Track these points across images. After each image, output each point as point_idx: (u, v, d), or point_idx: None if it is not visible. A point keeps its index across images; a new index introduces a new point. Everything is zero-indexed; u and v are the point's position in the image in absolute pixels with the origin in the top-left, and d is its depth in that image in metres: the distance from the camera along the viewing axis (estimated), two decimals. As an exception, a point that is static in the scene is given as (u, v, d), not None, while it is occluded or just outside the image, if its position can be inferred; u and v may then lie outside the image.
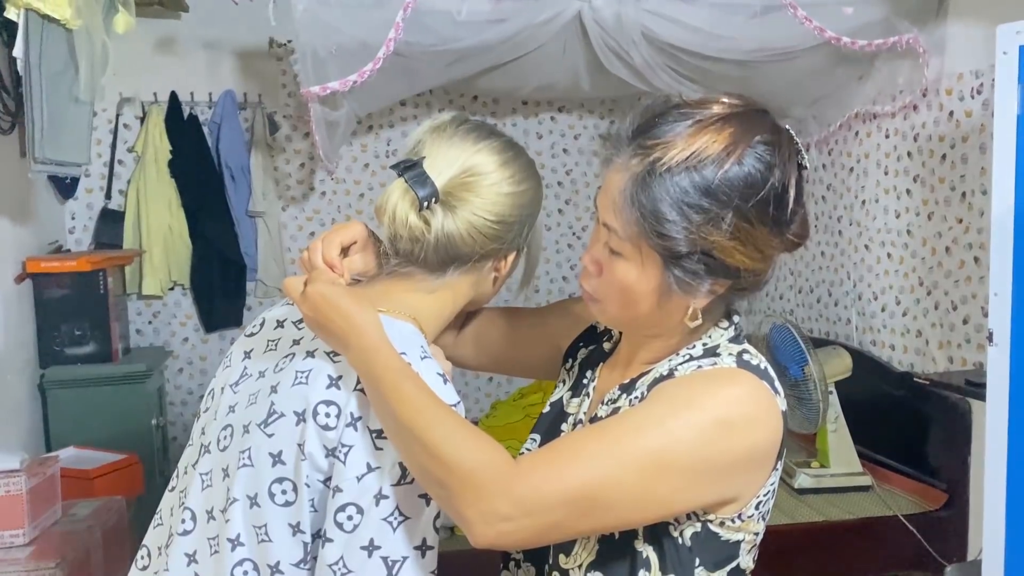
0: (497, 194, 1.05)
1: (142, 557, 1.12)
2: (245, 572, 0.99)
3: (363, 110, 3.29)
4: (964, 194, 2.80)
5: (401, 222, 1.04)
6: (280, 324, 1.13)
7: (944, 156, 2.88)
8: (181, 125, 3.76)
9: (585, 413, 1.11)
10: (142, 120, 3.75)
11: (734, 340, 1.03)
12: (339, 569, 0.93)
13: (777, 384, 0.98)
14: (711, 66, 3.01)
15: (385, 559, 0.93)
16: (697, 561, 0.97)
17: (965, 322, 2.80)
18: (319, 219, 4.02)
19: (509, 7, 2.77)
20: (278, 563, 0.98)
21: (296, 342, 1.07)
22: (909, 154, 3.05)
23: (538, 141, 4.18)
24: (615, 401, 1.05)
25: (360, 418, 0.96)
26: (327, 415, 0.97)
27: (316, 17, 2.59)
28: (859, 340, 3.33)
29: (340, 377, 0.99)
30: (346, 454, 0.94)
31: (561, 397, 1.16)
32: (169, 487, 1.13)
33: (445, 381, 0.99)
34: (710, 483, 0.93)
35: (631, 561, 0.97)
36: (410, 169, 1.03)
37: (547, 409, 1.18)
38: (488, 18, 2.76)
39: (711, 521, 0.97)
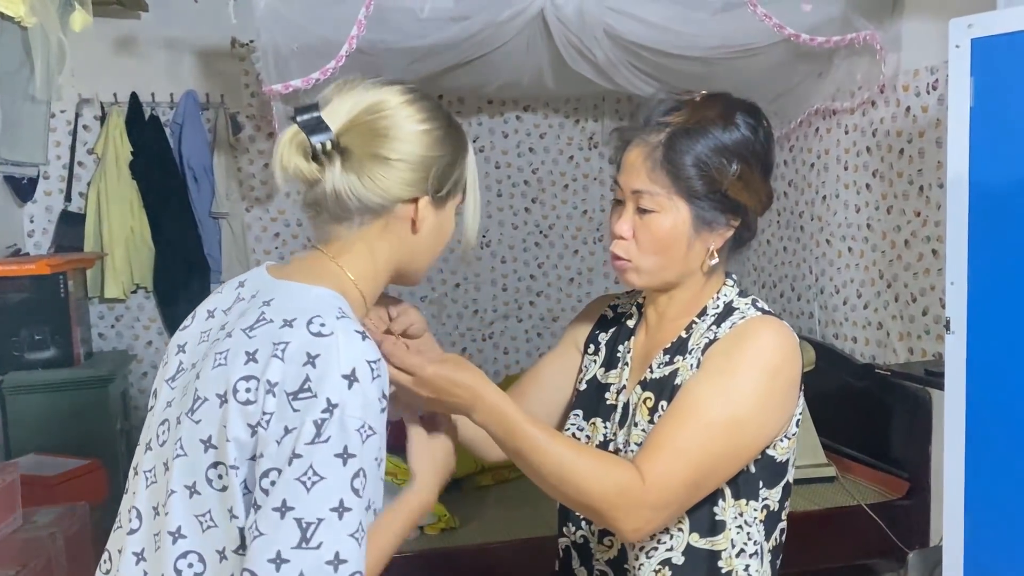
0: (399, 130, 1.04)
1: (104, 561, 1.10)
2: (190, 564, 0.96)
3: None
4: (922, 188, 2.85)
5: (295, 170, 1.03)
6: (211, 314, 1.10)
7: (902, 151, 2.93)
8: (142, 126, 3.71)
9: (628, 379, 1.27)
10: (102, 121, 3.70)
11: (741, 294, 1.24)
12: (252, 533, 0.90)
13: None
14: (673, 63, 3.03)
15: (299, 520, 0.89)
16: (760, 483, 1.19)
17: (924, 313, 2.85)
18: (284, 220, 4.00)
19: (472, 4, 2.78)
20: (224, 549, 0.96)
21: (223, 328, 1.05)
22: (868, 149, 3.10)
23: (504, 140, 4.19)
24: (670, 363, 1.21)
25: (278, 383, 0.93)
26: (247, 390, 0.94)
27: (278, 14, 2.57)
28: (822, 333, 3.38)
29: (256, 351, 0.96)
30: (268, 422, 0.92)
31: (595, 374, 1.32)
32: (124, 489, 1.11)
33: (364, 337, 0.96)
34: (775, 419, 1.16)
35: (710, 496, 1.16)
36: (304, 112, 1.03)
37: (584, 387, 1.33)
38: (451, 15, 2.76)
39: (768, 447, 1.18)
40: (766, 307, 1.22)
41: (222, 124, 3.80)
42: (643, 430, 1.19)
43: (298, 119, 1.02)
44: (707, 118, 1.17)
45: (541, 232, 4.28)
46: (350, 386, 0.92)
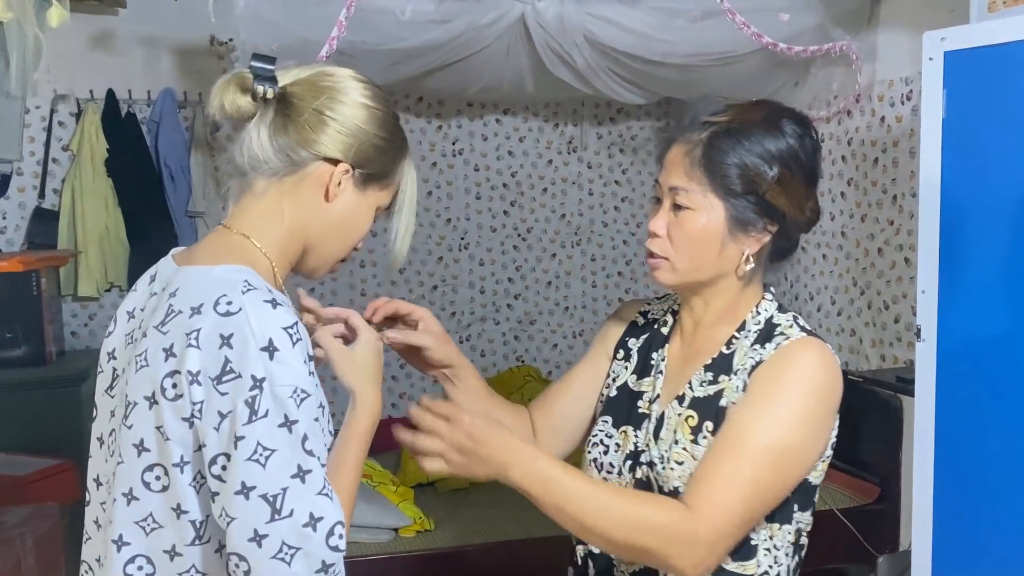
0: (343, 95, 1.05)
1: (84, 572, 1.10)
2: (139, 567, 0.97)
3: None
4: (895, 197, 2.89)
5: (231, 104, 1.04)
6: (131, 315, 1.09)
7: (876, 160, 2.97)
8: (118, 123, 3.68)
9: (662, 389, 1.24)
10: (77, 118, 3.66)
11: (781, 309, 1.22)
12: (224, 519, 0.91)
13: None
14: (652, 70, 3.06)
15: (264, 496, 0.90)
16: (795, 507, 1.18)
17: (896, 321, 2.89)
18: (261, 220, 3.97)
19: (453, 8, 2.78)
20: (173, 547, 0.96)
21: (140, 327, 1.03)
22: (843, 158, 3.14)
23: (483, 143, 4.19)
24: (714, 382, 1.19)
25: (199, 372, 0.92)
26: (173, 385, 0.93)
27: (257, 14, 2.56)
28: (796, 339, 3.42)
29: (172, 344, 0.95)
30: (200, 411, 0.92)
31: (626, 381, 1.29)
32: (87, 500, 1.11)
33: (275, 305, 0.95)
34: (819, 444, 1.15)
35: None
36: (261, 60, 1.05)
37: (615, 393, 1.30)
38: (432, 18, 2.77)
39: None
40: (807, 326, 1.20)
41: (200, 122, 3.77)
42: (684, 448, 1.16)
43: (253, 63, 1.05)
44: (751, 120, 1.16)
45: (519, 235, 4.29)
46: (271, 357, 0.91)
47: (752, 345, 1.17)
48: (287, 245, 1.07)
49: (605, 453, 1.24)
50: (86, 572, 1.08)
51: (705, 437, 1.15)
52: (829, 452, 1.19)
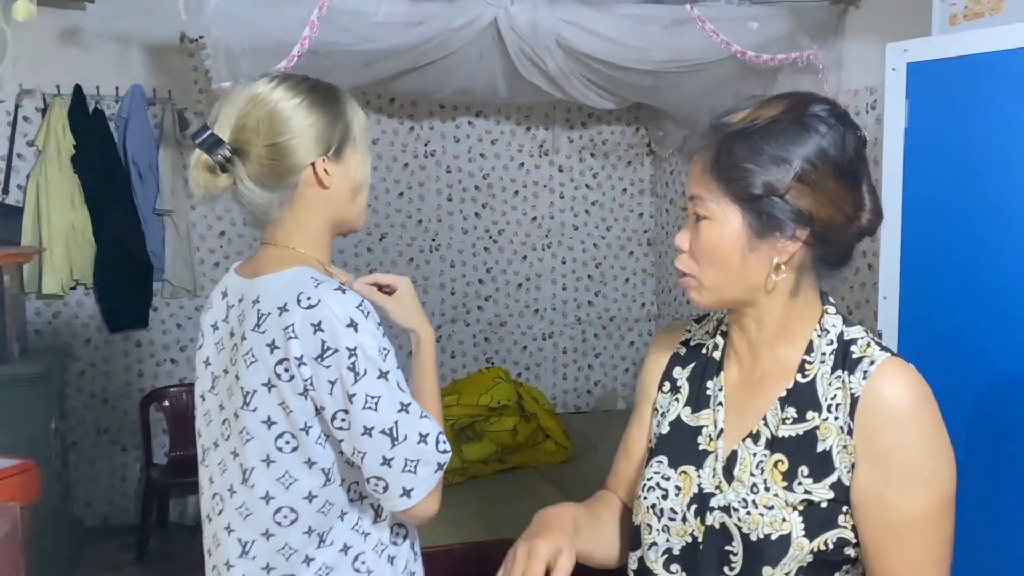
0: (275, 116, 1.22)
1: (208, 553, 1.36)
2: (285, 516, 1.22)
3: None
4: (859, 204, 2.94)
5: (211, 187, 1.24)
6: (215, 327, 1.32)
7: (841, 168, 3.03)
8: (86, 119, 3.64)
9: (725, 422, 1.10)
10: (43, 113, 3.62)
11: (847, 323, 1.09)
12: (357, 456, 1.18)
13: None
14: (623, 76, 3.08)
15: (382, 431, 1.16)
16: None
17: (860, 324, 2.94)
18: (230, 218, 3.95)
19: (426, 10, 2.79)
20: (310, 492, 1.22)
21: (232, 334, 1.27)
22: (809, 165, 3.19)
23: (455, 145, 4.20)
24: (801, 420, 1.04)
25: (303, 355, 1.16)
26: (285, 370, 1.17)
27: (229, 12, 2.55)
28: (762, 343, 3.46)
29: (273, 340, 1.17)
30: (314, 383, 1.17)
31: (679, 415, 1.14)
32: (203, 462, 1.35)
33: (344, 291, 1.19)
34: (954, 461, 1.04)
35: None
36: (199, 135, 1.22)
37: (667, 429, 1.15)
38: (405, 20, 2.77)
39: None
40: (881, 341, 1.07)
41: (169, 120, 3.74)
42: (776, 494, 1.02)
43: (196, 142, 1.21)
44: (766, 116, 1.03)
45: (490, 237, 4.30)
46: (356, 330, 1.16)
47: (834, 373, 1.04)
48: (320, 239, 1.29)
49: (664, 498, 1.10)
50: (209, 553, 1.34)
51: (801, 483, 1.01)
52: None
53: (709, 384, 1.13)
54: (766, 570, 1.00)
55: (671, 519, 1.08)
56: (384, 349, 1.19)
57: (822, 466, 1.01)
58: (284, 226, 1.27)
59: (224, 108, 1.24)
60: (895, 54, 1.93)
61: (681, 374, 1.17)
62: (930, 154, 1.90)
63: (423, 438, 1.19)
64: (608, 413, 4.29)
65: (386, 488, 1.18)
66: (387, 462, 1.17)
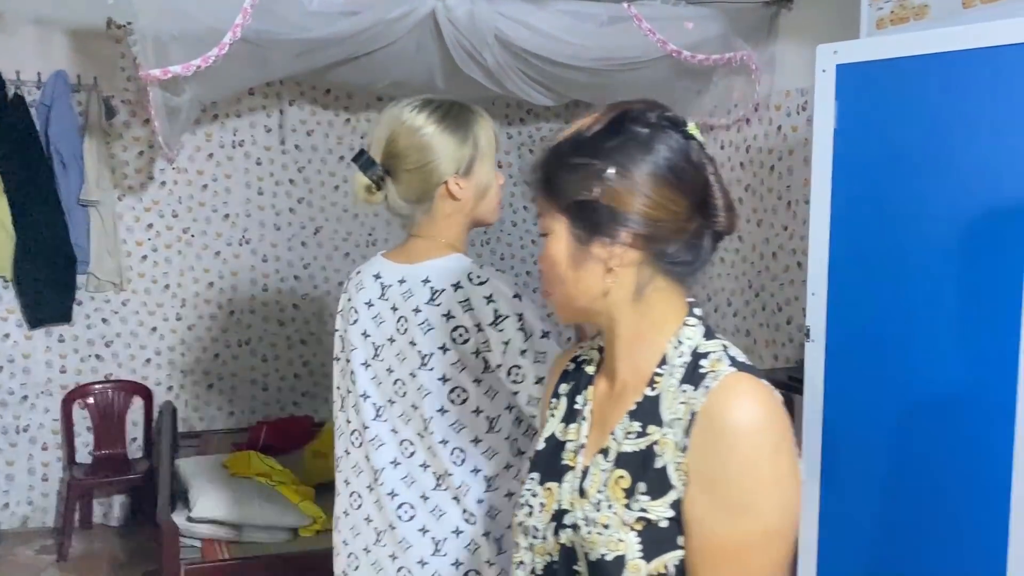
0: (412, 145, 1.46)
1: (353, 498, 1.55)
2: (457, 455, 1.45)
3: (208, 97, 3.17)
4: (790, 203, 3.01)
5: (367, 201, 1.50)
6: (370, 304, 1.53)
7: (772, 167, 3.09)
8: (5, 106, 3.49)
9: (587, 436, 1.07)
10: (-41, 98, 3.46)
11: (708, 336, 1.02)
12: (530, 403, 1.41)
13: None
14: (561, 72, 3.09)
15: (535, 354, 1.42)
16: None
17: (789, 322, 3.01)
18: (158, 210, 3.84)
19: (362, 0, 2.75)
20: (476, 437, 1.46)
21: (395, 308, 1.49)
22: (742, 165, 3.25)
23: (392, 139, 4.16)
24: (642, 434, 1.00)
25: (479, 323, 1.41)
26: (460, 335, 1.42)
27: (158, -3, 2.48)
28: (696, 339, 3.51)
29: (449, 311, 1.42)
30: (487, 345, 1.41)
31: (554, 431, 1.12)
32: (354, 443, 1.55)
33: (499, 270, 1.47)
34: (798, 494, 0.96)
35: None
36: (359, 158, 1.50)
37: (542, 446, 1.12)
38: (341, 10, 2.73)
39: None
40: (739, 355, 1.00)
41: (95, 108, 3.61)
42: (615, 512, 0.97)
43: (357, 163, 1.49)
44: (583, 124, 1.04)
45: (427, 233, 4.27)
46: (520, 300, 1.42)
47: (680, 385, 0.99)
48: (458, 234, 1.52)
49: (530, 515, 1.07)
50: (356, 498, 1.54)
51: (638, 500, 0.96)
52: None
53: (578, 398, 1.11)
54: None
55: (535, 537, 1.06)
56: (538, 315, 1.44)
57: (660, 483, 0.95)
58: (428, 225, 1.50)
59: (376, 131, 1.51)
60: (824, 55, 1.97)
61: (564, 389, 1.15)
62: (858, 154, 1.94)
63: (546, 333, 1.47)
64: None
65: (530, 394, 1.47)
66: (535, 371, 1.42)
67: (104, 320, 3.80)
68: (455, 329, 1.43)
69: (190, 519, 2.76)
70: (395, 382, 1.50)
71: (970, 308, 1.76)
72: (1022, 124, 1.67)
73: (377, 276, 1.53)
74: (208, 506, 2.74)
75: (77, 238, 3.63)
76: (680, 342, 1.01)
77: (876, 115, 1.92)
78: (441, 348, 1.44)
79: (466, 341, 1.42)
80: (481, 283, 1.42)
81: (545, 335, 1.42)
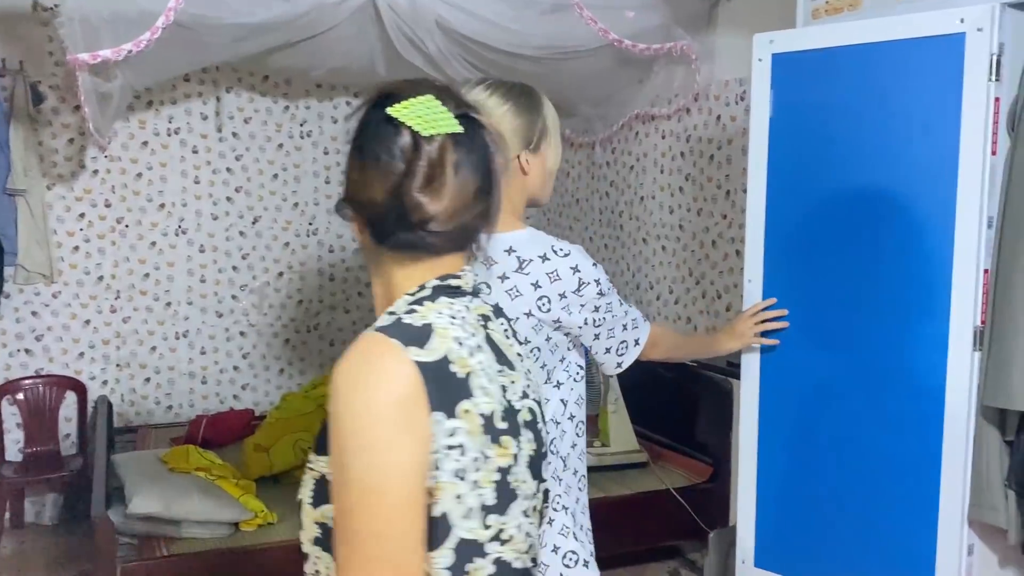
0: (490, 120, 1.52)
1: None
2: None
3: (140, 83, 3.08)
4: (728, 192, 3.05)
5: None
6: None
7: (712, 157, 3.13)
8: (-76, 90, 3.35)
9: None
10: None
11: (415, 302, 1.00)
12: (604, 334, 1.66)
13: (428, 340, 0.96)
14: (503, 60, 3.08)
15: (623, 325, 1.69)
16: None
17: (728, 309, 3.05)
18: (90, 199, 3.73)
19: (301, -15, 2.70)
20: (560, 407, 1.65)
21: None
22: (682, 154, 3.28)
23: (333, 126, 4.11)
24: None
25: (563, 292, 1.56)
26: (544, 303, 1.57)
27: (86, -22, 2.39)
28: (638, 327, 3.55)
29: (536, 280, 1.56)
30: (570, 309, 1.58)
31: None
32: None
33: (573, 243, 1.64)
34: (395, 467, 0.91)
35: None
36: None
37: None
38: (278, -6, 2.68)
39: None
40: (411, 320, 0.97)
41: (21, 93, 3.48)
42: (310, 462, 1.03)
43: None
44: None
45: (370, 222, 4.23)
46: (596, 267, 1.60)
47: None
48: (520, 210, 1.63)
49: None
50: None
51: (313, 455, 1.00)
52: (448, 474, 0.93)
53: None
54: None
55: None
56: (609, 281, 1.64)
57: (324, 441, 0.96)
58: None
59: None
60: (761, 45, 2.00)
61: None
62: (793, 144, 1.98)
63: (639, 323, 1.73)
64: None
65: (624, 348, 1.72)
66: (625, 328, 1.69)
67: (34, 313, 3.68)
68: (540, 299, 1.56)
69: (127, 516, 2.69)
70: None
71: (901, 291, 1.81)
72: (951, 113, 1.72)
73: None
74: (145, 502, 2.68)
75: (4, 228, 3.50)
76: (390, 312, 1.01)
77: (812, 105, 1.95)
78: (526, 314, 1.57)
79: (549, 310, 1.57)
80: (565, 255, 1.58)
81: (620, 298, 1.65)
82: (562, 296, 1.57)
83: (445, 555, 0.92)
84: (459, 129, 0.98)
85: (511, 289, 1.57)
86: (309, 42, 2.96)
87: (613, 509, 2.89)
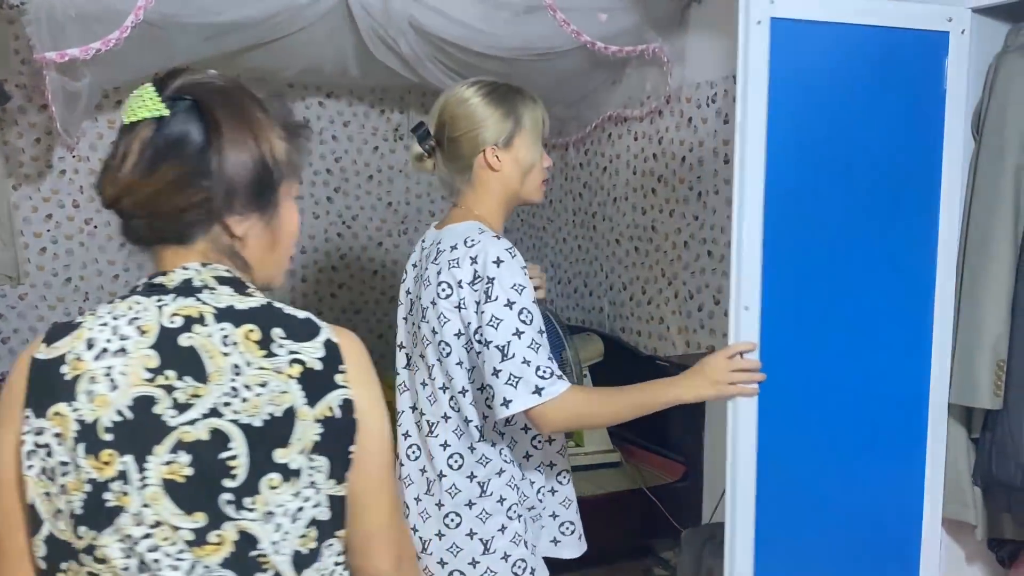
0: (456, 115, 1.60)
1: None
2: (453, 404, 1.60)
3: (109, 82, 3.05)
4: (700, 193, 3.08)
5: (419, 168, 1.67)
6: (415, 265, 1.74)
7: (683, 159, 3.15)
8: None
9: None
10: None
11: (115, 300, 0.97)
12: (480, 365, 1.52)
13: (61, 338, 0.93)
14: (477, 61, 3.08)
15: (497, 346, 1.50)
16: None
17: (700, 309, 3.08)
18: (58, 200, 3.67)
19: (273, -16, 2.69)
20: (463, 387, 1.59)
21: (414, 266, 1.73)
22: (654, 156, 3.30)
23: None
24: None
25: (460, 280, 1.52)
26: (444, 290, 1.55)
27: (53, -24, 2.36)
28: (610, 327, 3.57)
29: (439, 271, 1.55)
30: (465, 303, 1.52)
31: None
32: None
33: (499, 238, 1.55)
34: None
35: None
36: (417, 129, 1.66)
37: None
38: (250, -6, 2.66)
39: None
40: (78, 318, 0.95)
41: (-14, 92, 3.43)
42: None
43: (415, 134, 1.65)
44: None
45: (343, 223, 4.21)
46: (499, 266, 1.47)
47: None
48: (495, 209, 1.63)
49: None
50: (414, 445, 1.68)
51: None
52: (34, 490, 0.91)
53: None
54: None
55: None
56: (519, 285, 1.48)
57: None
58: (467, 196, 1.63)
59: (436, 105, 1.64)
60: (759, 6, 1.65)
61: None
62: (794, 132, 1.71)
63: (526, 363, 1.45)
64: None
65: (492, 396, 1.47)
66: (495, 373, 1.46)
67: (0, 315, 3.63)
68: (440, 284, 1.53)
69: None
70: (400, 341, 1.71)
71: (887, 298, 1.78)
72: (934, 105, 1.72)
73: (423, 242, 1.70)
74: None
75: (-31, 229, 3.44)
76: None
77: (815, 84, 1.72)
78: (431, 303, 1.55)
79: (449, 296, 1.52)
80: (471, 245, 1.51)
81: (509, 304, 1.46)
82: (459, 285, 1.51)
83: (39, 545, 0.91)
84: (162, 113, 0.94)
85: (425, 279, 1.59)
86: (281, 42, 2.94)
87: (587, 508, 2.87)
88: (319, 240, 4.16)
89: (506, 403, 1.45)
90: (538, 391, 1.44)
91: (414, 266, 1.71)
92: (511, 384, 1.44)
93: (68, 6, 2.41)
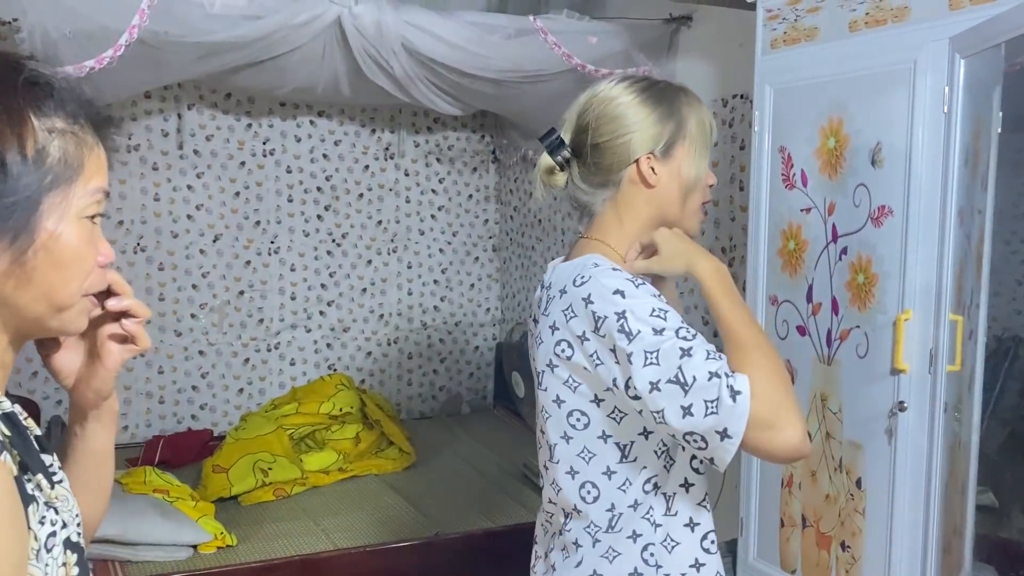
0: (601, 118, 1.26)
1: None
2: (588, 491, 1.26)
3: (101, 99, 3.04)
4: (690, 214, 3.10)
5: (551, 184, 1.32)
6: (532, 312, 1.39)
7: (674, 179, 3.17)
8: None
9: None
10: None
11: None
12: (659, 419, 1.13)
13: None
14: (468, 82, 3.11)
15: (671, 380, 1.13)
16: None
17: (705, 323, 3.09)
18: (48, 216, 3.66)
19: (266, 4, 2.70)
20: (608, 467, 1.25)
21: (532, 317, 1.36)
22: (645, 176, 3.33)
23: (296, 144, 4.09)
24: None
25: (583, 332, 1.19)
26: (564, 349, 1.24)
27: (47, -6, 2.37)
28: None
29: (554, 323, 1.24)
30: (599, 356, 1.18)
31: None
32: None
33: (617, 269, 1.21)
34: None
35: None
36: (546, 137, 1.31)
37: None
38: (243, 13, 2.67)
39: None
40: None
41: (-24, 107, 3.43)
42: None
43: (544, 144, 1.30)
44: None
45: (334, 240, 4.22)
46: (624, 296, 1.14)
47: None
48: (629, 235, 1.27)
49: None
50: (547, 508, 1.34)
51: None
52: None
53: None
54: None
55: None
56: (660, 309, 1.14)
57: None
58: (604, 222, 1.29)
59: (570, 110, 1.31)
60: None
61: None
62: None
63: (713, 375, 1.08)
64: (453, 418, 4.31)
65: (702, 438, 1.10)
66: (687, 411, 1.09)
67: (-14, 331, 3.60)
68: (558, 344, 1.21)
69: (80, 539, 2.63)
70: (540, 410, 1.32)
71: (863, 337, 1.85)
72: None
73: (542, 283, 1.34)
74: (101, 525, 2.63)
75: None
76: None
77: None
78: (548, 365, 1.24)
79: (570, 357, 1.20)
80: (581, 284, 1.19)
81: (658, 332, 1.12)
82: (582, 339, 1.18)
83: None
84: None
85: (536, 335, 1.28)
86: (274, 61, 2.95)
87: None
88: (308, 258, 4.17)
89: (725, 434, 1.08)
90: (733, 396, 1.08)
91: (535, 320, 1.32)
92: (713, 411, 1.08)
93: (62, 24, 2.42)
